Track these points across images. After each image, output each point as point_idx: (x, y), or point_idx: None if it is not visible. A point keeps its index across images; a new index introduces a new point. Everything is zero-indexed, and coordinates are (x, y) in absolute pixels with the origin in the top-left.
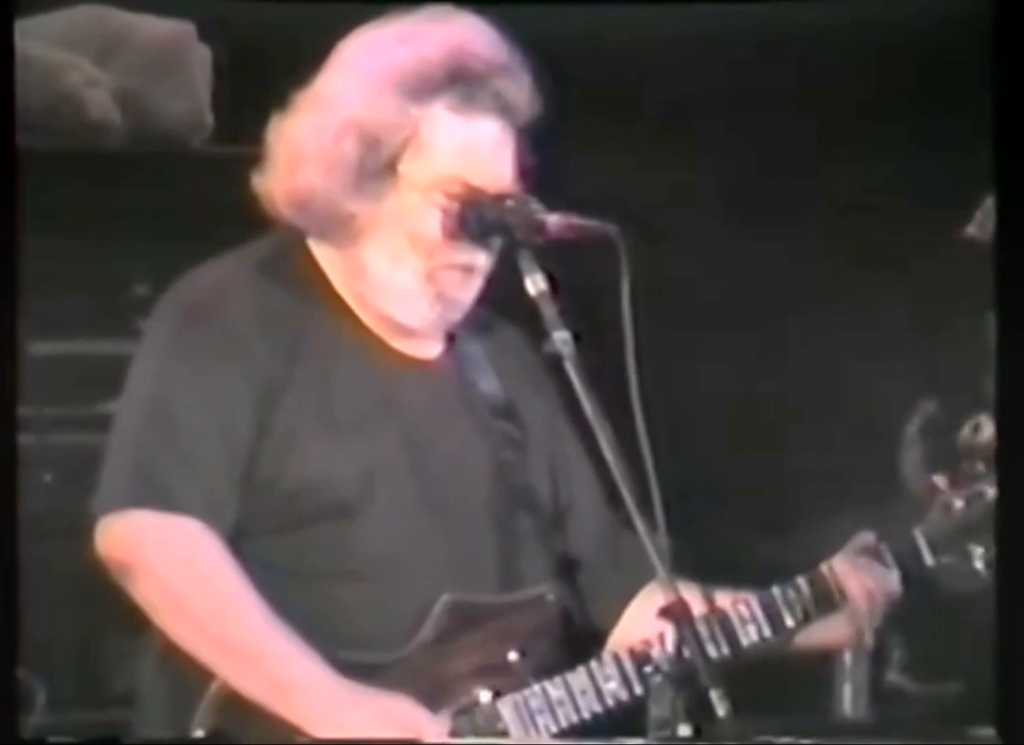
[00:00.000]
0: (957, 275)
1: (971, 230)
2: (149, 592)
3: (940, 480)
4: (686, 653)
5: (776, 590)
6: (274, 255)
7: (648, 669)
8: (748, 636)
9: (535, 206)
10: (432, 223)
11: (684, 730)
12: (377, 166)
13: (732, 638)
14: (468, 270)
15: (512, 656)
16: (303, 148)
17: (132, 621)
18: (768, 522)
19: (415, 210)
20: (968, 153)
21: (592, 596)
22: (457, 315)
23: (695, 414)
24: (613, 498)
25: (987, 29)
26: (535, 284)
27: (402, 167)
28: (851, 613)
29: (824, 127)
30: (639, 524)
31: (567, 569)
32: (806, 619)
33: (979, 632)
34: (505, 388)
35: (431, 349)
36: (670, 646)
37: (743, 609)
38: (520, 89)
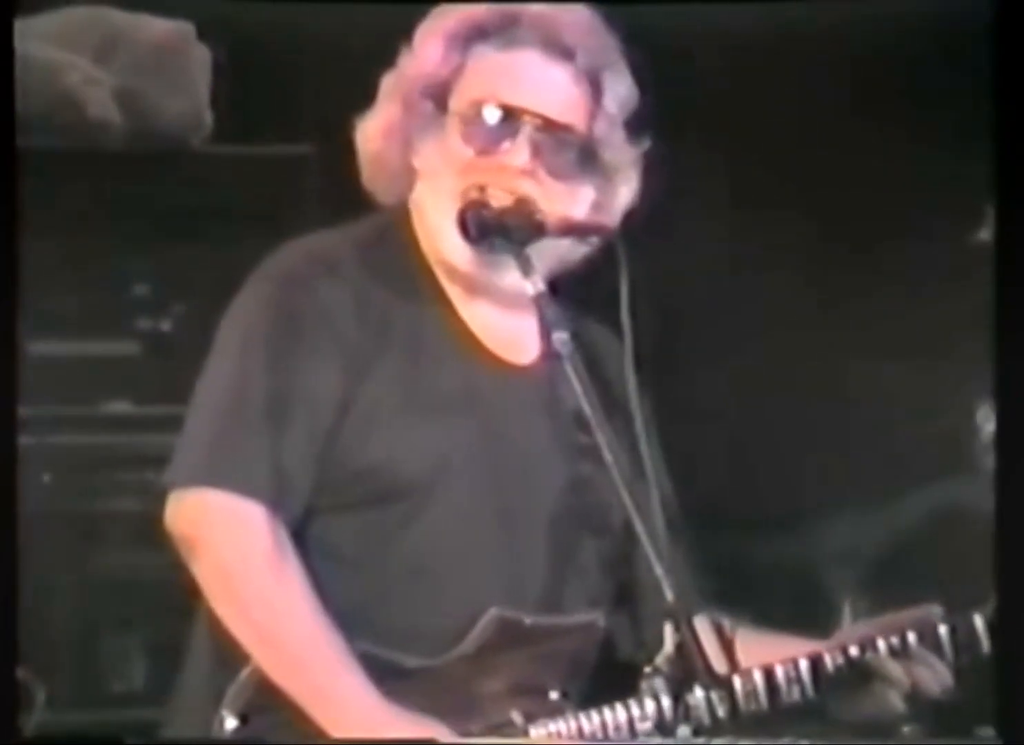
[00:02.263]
0: (964, 277)
1: (984, 235)
2: (206, 573)
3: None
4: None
5: (826, 654)
6: (377, 235)
7: (648, 670)
8: (791, 696)
9: (535, 207)
10: (460, 136)
11: (684, 730)
12: (427, 112)
13: (775, 696)
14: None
15: (554, 695)
16: (368, 120)
17: (132, 621)
18: (769, 522)
19: (450, 129)
20: (968, 153)
21: (648, 624)
22: (506, 276)
23: (695, 415)
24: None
25: (987, 29)
26: (534, 285)
27: (451, 104)
28: (889, 696)
29: (824, 127)
30: (638, 524)
31: (626, 597)
32: (849, 688)
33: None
34: (594, 402)
35: (525, 354)
36: (669, 646)
37: (791, 669)
38: (568, 25)
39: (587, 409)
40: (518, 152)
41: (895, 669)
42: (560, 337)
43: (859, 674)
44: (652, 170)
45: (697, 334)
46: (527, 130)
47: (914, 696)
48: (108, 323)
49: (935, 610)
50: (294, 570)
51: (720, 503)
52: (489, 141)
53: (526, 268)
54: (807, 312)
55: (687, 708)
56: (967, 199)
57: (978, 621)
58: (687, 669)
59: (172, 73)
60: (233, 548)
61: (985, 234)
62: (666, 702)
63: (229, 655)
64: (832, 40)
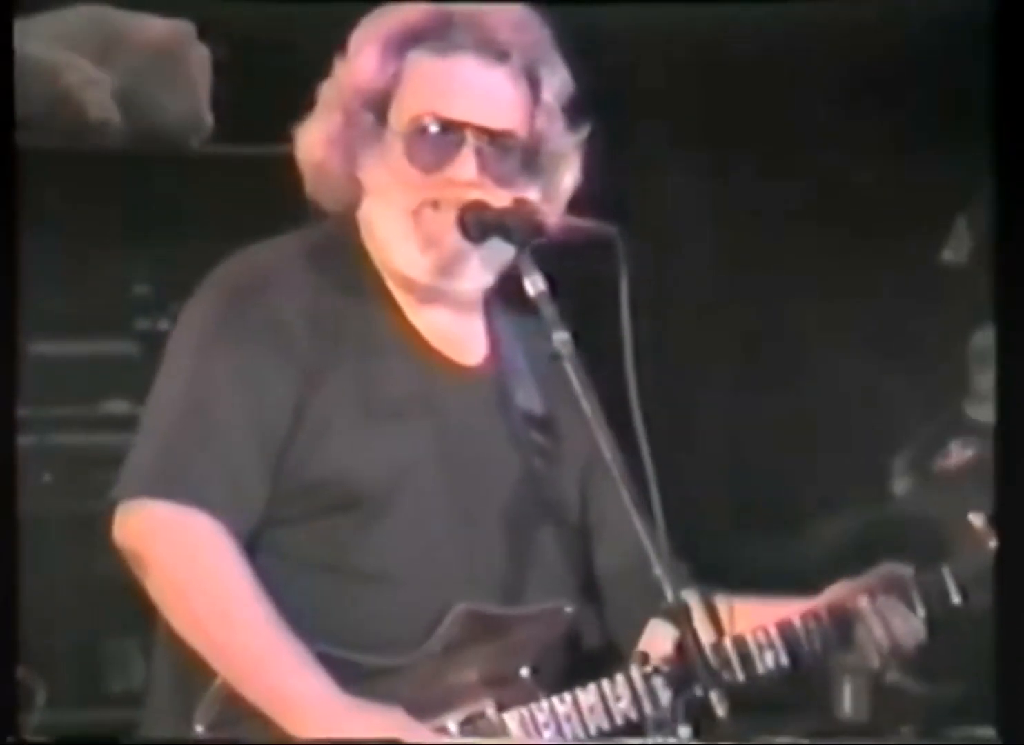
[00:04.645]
0: (963, 277)
1: (947, 255)
2: (157, 586)
3: (975, 518)
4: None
5: (797, 619)
6: (326, 242)
7: (648, 669)
8: (765, 664)
9: (534, 207)
10: (405, 156)
11: (684, 730)
12: (368, 124)
13: (749, 665)
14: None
15: (524, 672)
16: (308, 128)
17: (132, 621)
18: (767, 522)
19: (393, 147)
20: (968, 153)
21: (613, 616)
22: (463, 281)
23: (694, 415)
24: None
25: (987, 29)
26: (534, 285)
27: (391, 118)
28: (867, 651)
29: (823, 127)
30: (638, 523)
31: (589, 587)
32: (824, 651)
33: (979, 632)
34: (545, 400)
35: (473, 355)
36: (669, 646)
37: (761, 636)
38: (501, 23)
39: (587, 409)
40: (464, 166)
41: (874, 622)
42: (561, 337)
43: (843, 632)
44: (649, 172)
45: (694, 334)
46: (470, 142)
47: (892, 649)
48: (108, 323)
49: (903, 569)
50: (245, 578)
51: (718, 504)
52: (434, 158)
53: (526, 268)
54: (806, 310)
55: (687, 708)
56: (967, 199)
57: (947, 574)
58: (687, 669)
59: (172, 73)
60: (182, 560)
61: (961, 256)
62: (666, 701)
63: (192, 668)
64: (832, 40)
